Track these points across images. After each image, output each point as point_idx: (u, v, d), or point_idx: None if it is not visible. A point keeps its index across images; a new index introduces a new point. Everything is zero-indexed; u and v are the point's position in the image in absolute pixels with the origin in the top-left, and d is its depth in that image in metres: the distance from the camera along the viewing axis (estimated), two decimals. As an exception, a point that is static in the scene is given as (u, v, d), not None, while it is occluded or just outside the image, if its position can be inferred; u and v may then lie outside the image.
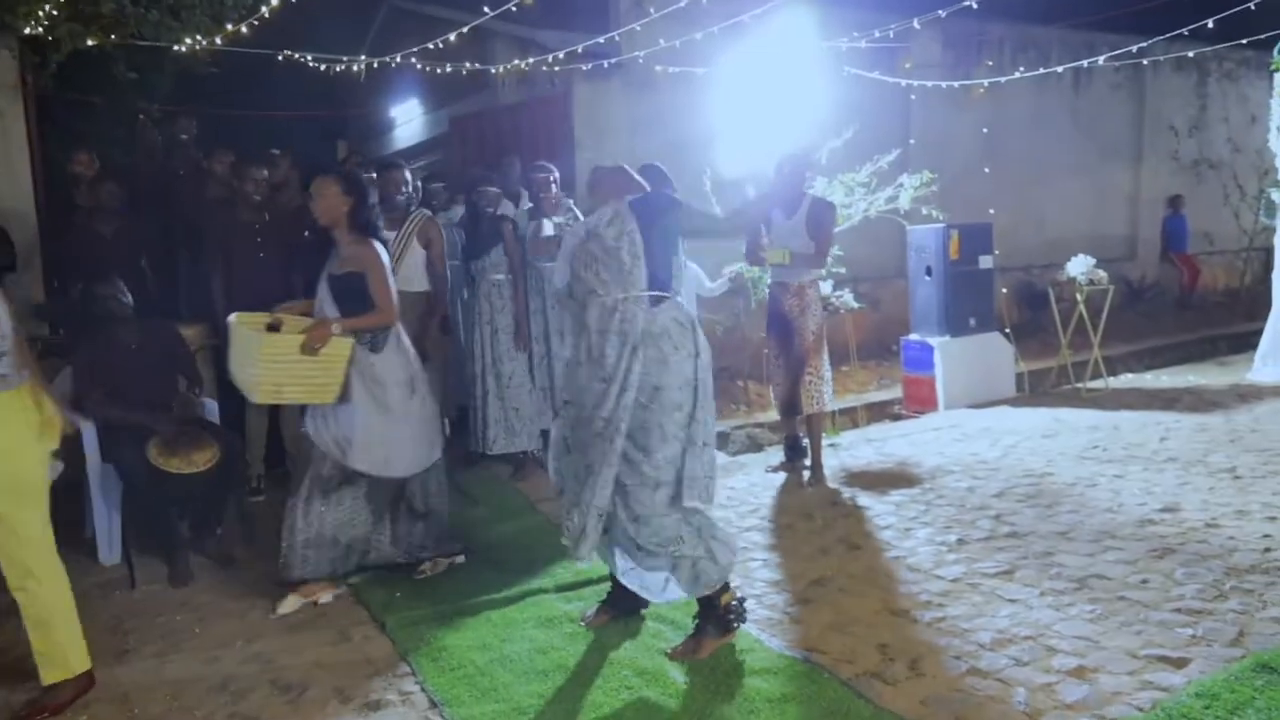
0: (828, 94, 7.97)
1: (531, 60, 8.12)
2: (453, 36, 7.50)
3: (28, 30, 6.39)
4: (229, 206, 5.76)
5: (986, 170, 10.05)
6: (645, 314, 3.36)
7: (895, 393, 7.97)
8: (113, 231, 5.74)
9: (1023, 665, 3.18)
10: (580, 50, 7.98)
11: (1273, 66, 8.10)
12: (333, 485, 4.04)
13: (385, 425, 4.05)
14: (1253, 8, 7.36)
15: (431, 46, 7.74)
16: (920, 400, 7.54)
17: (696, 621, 3.46)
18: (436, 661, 3.41)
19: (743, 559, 4.34)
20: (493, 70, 8.53)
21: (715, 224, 7.05)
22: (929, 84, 9.34)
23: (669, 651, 3.37)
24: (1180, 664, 3.11)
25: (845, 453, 6.19)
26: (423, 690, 3.25)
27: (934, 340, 7.46)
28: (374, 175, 6.05)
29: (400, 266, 5.28)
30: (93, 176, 6.03)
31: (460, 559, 4.37)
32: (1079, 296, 7.76)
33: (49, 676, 3.21)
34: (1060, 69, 9.83)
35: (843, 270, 7.60)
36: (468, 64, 8.19)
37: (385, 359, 4.09)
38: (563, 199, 5.97)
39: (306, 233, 6.12)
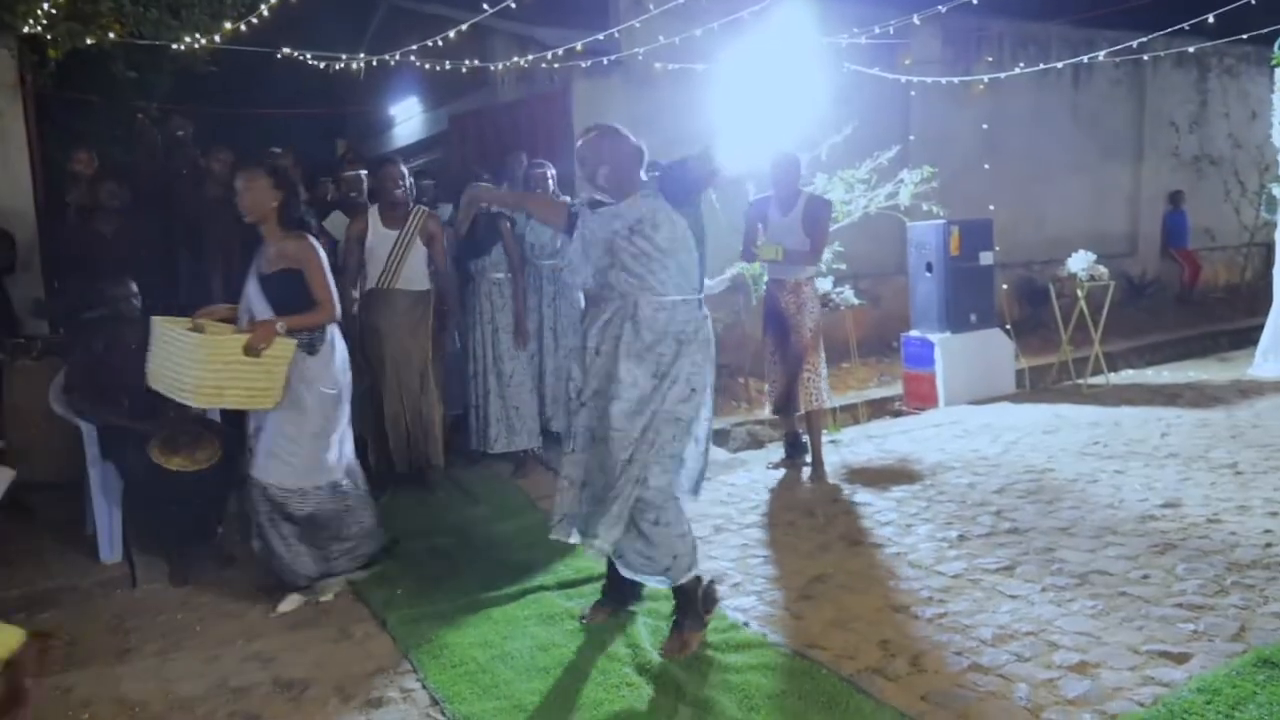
0: (828, 90, 7.95)
1: (531, 57, 8.12)
2: (452, 34, 7.50)
3: (26, 29, 6.38)
4: (228, 205, 5.73)
5: (987, 166, 10.04)
6: (697, 317, 3.42)
7: (896, 389, 7.98)
8: (113, 231, 5.74)
9: (1024, 661, 3.18)
10: (580, 47, 7.98)
11: (1273, 62, 8.09)
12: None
13: (296, 427, 3.90)
14: (1253, 3, 7.35)
15: (431, 44, 7.74)
16: (921, 397, 7.54)
17: (674, 619, 3.46)
18: (437, 659, 3.41)
19: (744, 555, 4.34)
20: (492, 68, 8.52)
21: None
22: (929, 80, 9.33)
23: (661, 651, 3.37)
24: (1181, 659, 3.11)
25: (846, 449, 6.19)
26: (424, 687, 3.25)
27: (934, 336, 7.46)
28: (364, 172, 6.06)
29: (403, 266, 5.28)
30: (92, 175, 6.03)
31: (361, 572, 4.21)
32: (1080, 292, 7.75)
33: None
34: (1060, 65, 9.84)
35: (843, 267, 7.60)
36: (467, 62, 8.18)
37: (321, 360, 3.95)
38: (560, 197, 5.97)
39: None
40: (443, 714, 3.08)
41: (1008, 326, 8.00)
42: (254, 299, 3.91)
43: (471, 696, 3.14)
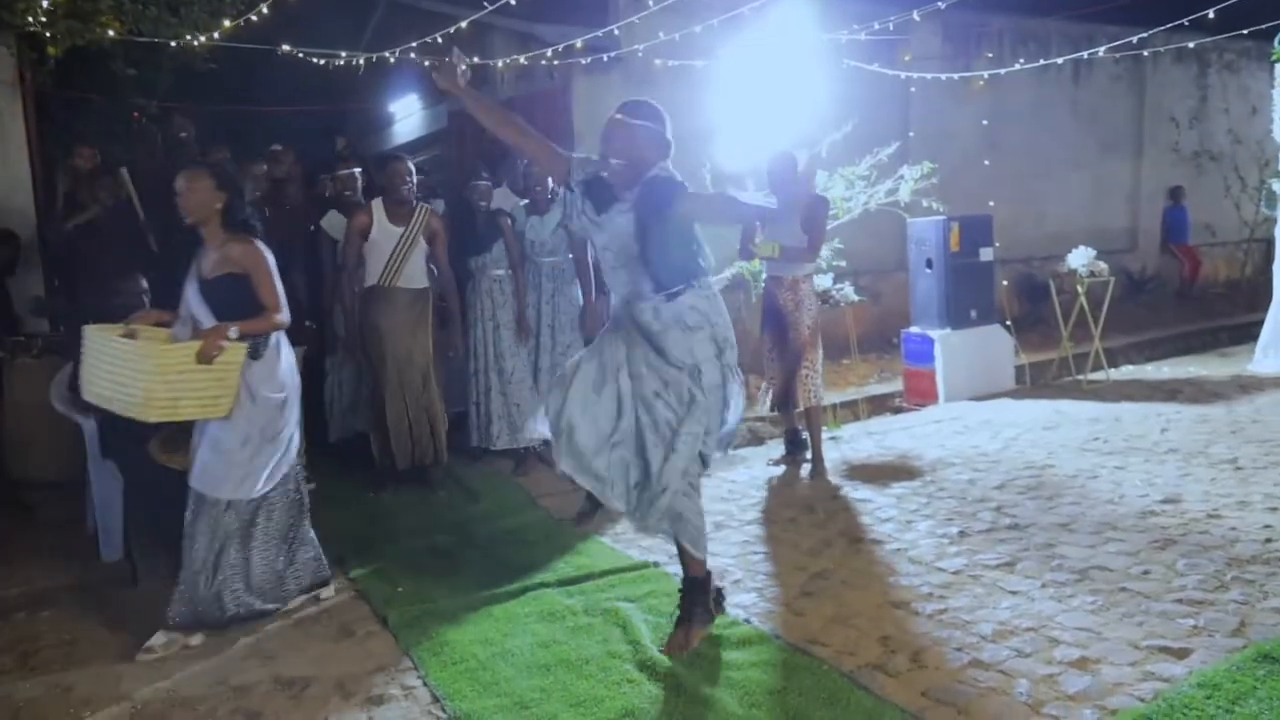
0: (827, 87, 7.96)
1: (530, 55, 8.11)
2: (451, 31, 7.49)
3: (26, 27, 6.38)
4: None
5: (986, 162, 10.04)
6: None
7: (896, 385, 7.98)
8: (113, 229, 5.73)
9: (1024, 657, 3.18)
10: (579, 44, 7.98)
11: (1273, 57, 8.09)
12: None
13: (234, 434, 3.69)
14: (1252, -2, 7.35)
15: (430, 41, 7.74)
16: (921, 393, 7.54)
17: (679, 614, 3.44)
18: (438, 656, 3.41)
19: (745, 552, 4.34)
20: (491, 65, 8.51)
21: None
22: (929, 76, 9.33)
23: (663, 647, 3.35)
24: (1182, 654, 3.11)
25: (846, 446, 6.19)
26: (425, 685, 3.25)
27: (934, 333, 7.46)
28: (359, 171, 6.05)
29: (406, 264, 5.27)
30: (91, 169, 6.02)
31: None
32: (1080, 288, 7.75)
33: None
34: (1060, 61, 9.83)
35: (843, 263, 7.59)
36: (467, 59, 8.16)
37: (265, 364, 3.76)
38: (558, 194, 5.96)
39: (312, 227, 6.13)
40: (443, 711, 3.08)
41: (1008, 322, 8.00)
42: (195, 305, 3.73)
43: (472, 693, 3.14)
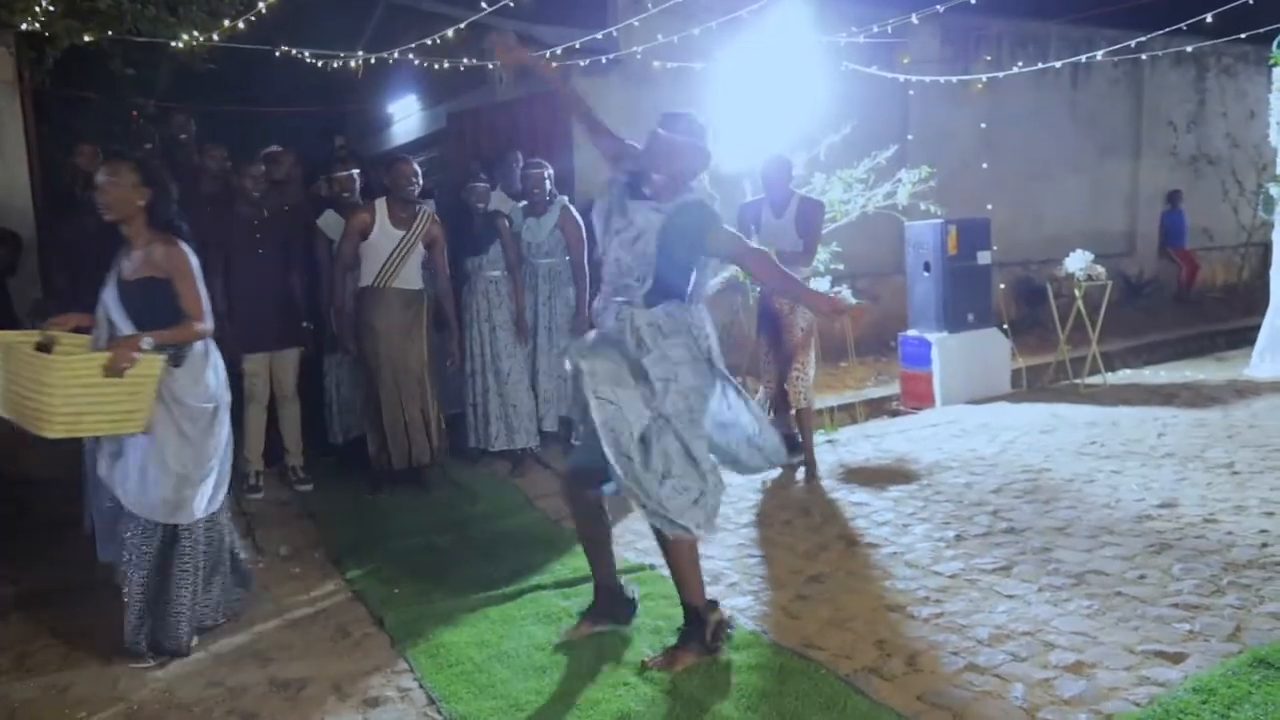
0: (826, 89, 7.97)
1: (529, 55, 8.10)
2: (450, 32, 7.50)
3: (24, 26, 6.37)
4: (225, 204, 5.72)
5: (985, 166, 10.05)
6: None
7: (893, 389, 7.98)
8: (112, 228, 5.71)
9: (1020, 661, 3.18)
10: (578, 46, 7.98)
11: (1271, 61, 8.09)
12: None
13: (158, 451, 3.48)
14: (1251, 2, 7.36)
15: (429, 42, 7.74)
16: (918, 396, 7.54)
17: (680, 632, 3.35)
18: (435, 658, 3.41)
19: (740, 555, 4.35)
20: (490, 66, 8.52)
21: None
22: (927, 79, 9.34)
23: (645, 660, 3.28)
24: (1177, 659, 3.12)
25: (843, 449, 6.20)
26: (421, 687, 3.25)
27: (932, 336, 7.47)
28: (356, 171, 6.04)
29: (403, 266, 5.28)
30: (93, 168, 6.00)
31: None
32: (1077, 292, 7.77)
33: None
34: (1058, 64, 9.84)
35: (841, 266, 7.60)
36: (465, 60, 8.18)
37: (189, 372, 3.53)
38: (557, 196, 5.97)
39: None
40: (439, 713, 3.08)
41: (1005, 326, 8.00)
42: (112, 309, 3.49)
43: (468, 696, 3.14)
